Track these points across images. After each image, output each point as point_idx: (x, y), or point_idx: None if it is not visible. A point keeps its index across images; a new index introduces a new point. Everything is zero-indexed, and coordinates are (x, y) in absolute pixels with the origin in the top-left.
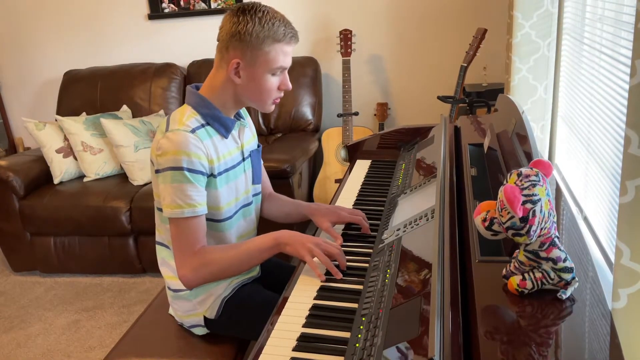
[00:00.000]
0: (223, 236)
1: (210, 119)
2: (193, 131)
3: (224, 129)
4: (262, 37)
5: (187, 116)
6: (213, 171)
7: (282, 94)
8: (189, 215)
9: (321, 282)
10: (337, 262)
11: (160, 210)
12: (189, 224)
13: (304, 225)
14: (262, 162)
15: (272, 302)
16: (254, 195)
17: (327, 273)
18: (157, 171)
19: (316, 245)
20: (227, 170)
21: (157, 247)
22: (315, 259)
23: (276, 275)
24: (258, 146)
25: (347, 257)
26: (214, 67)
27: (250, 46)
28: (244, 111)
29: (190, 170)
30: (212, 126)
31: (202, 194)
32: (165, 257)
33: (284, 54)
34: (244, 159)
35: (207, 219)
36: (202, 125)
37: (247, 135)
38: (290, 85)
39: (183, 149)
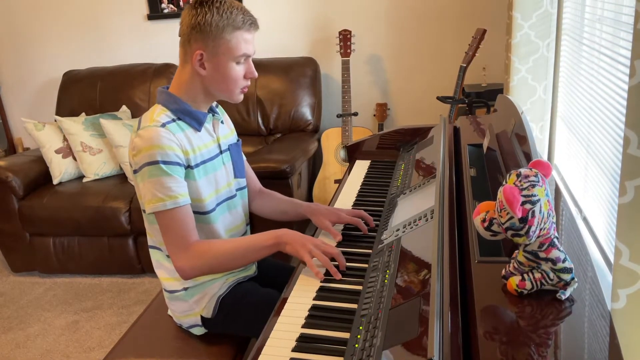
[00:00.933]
0: (211, 229)
1: (181, 114)
2: (163, 125)
3: (196, 122)
4: (221, 26)
5: (157, 113)
6: (189, 162)
7: (249, 83)
8: (172, 207)
9: (320, 282)
10: (336, 263)
11: (146, 213)
12: (174, 215)
13: (304, 225)
14: (244, 156)
15: (268, 299)
16: (238, 189)
17: (327, 273)
18: (135, 172)
19: (315, 246)
20: (204, 162)
21: (151, 250)
22: (315, 259)
23: (273, 276)
24: (237, 140)
25: (347, 258)
26: (179, 65)
27: (211, 36)
28: (220, 109)
29: (165, 163)
30: (184, 120)
31: (181, 185)
32: (159, 260)
33: (245, 42)
34: (221, 152)
35: (194, 212)
36: (173, 120)
37: (224, 130)
38: (256, 73)
39: (155, 143)
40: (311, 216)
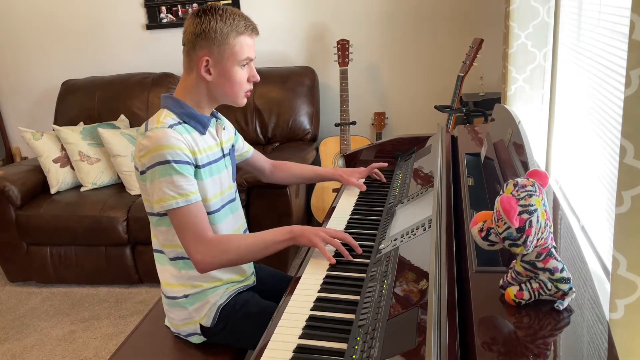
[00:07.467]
0: (216, 229)
1: (186, 117)
2: (171, 127)
3: (201, 125)
4: (225, 32)
5: (163, 116)
6: (197, 162)
7: (251, 87)
8: (183, 205)
9: (318, 292)
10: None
11: (153, 215)
12: (187, 212)
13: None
14: (249, 147)
15: (268, 311)
16: (235, 191)
17: (325, 288)
18: (142, 172)
19: (327, 233)
20: (209, 163)
21: (155, 254)
22: (328, 245)
23: (271, 285)
24: (232, 145)
25: (345, 268)
26: (183, 72)
27: (216, 42)
28: (220, 116)
29: (176, 162)
30: (189, 123)
31: (192, 182)
32: (163, 263)
33: (248, 46)
34: (224, 155)
35: None
36: (179, 123)
37: (226, 135)
38: (258, 77)
39: (164, 143)
40: (338, 178)
